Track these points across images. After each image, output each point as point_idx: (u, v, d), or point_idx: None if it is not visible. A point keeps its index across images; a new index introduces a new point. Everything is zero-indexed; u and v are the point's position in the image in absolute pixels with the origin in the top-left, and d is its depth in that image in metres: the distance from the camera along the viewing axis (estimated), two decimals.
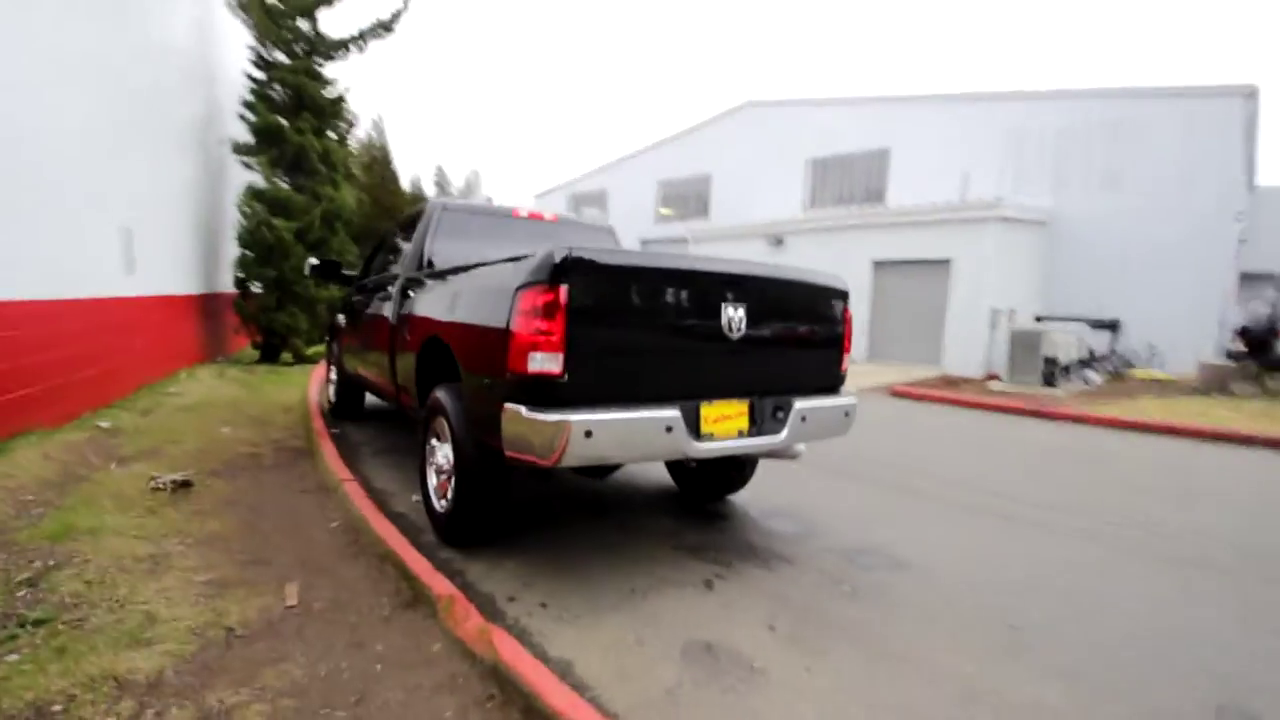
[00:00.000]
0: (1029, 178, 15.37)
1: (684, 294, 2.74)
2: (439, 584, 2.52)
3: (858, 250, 14.60)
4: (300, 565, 2.84)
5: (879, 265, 14.57)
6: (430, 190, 28.48)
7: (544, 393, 2.43)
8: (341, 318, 5.84)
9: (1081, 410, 8.13)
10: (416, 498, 3.92)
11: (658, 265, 2.68)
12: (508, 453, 2.55)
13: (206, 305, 8.54)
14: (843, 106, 18.57)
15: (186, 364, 7.89)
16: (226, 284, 9.31)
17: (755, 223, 17.32)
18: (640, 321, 2.64)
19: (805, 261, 15.90)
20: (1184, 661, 2.43)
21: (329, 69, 9.12)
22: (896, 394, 9.90)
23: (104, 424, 4.91)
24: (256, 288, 8.86)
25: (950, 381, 11.77)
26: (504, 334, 2.51)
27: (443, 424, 3.21)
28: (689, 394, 2.79)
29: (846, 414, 3.33)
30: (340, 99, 9.33)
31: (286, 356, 9.49)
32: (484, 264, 3.02)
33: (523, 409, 2.41)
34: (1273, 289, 14.14)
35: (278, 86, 8.87)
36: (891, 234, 14.32)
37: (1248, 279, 15.90)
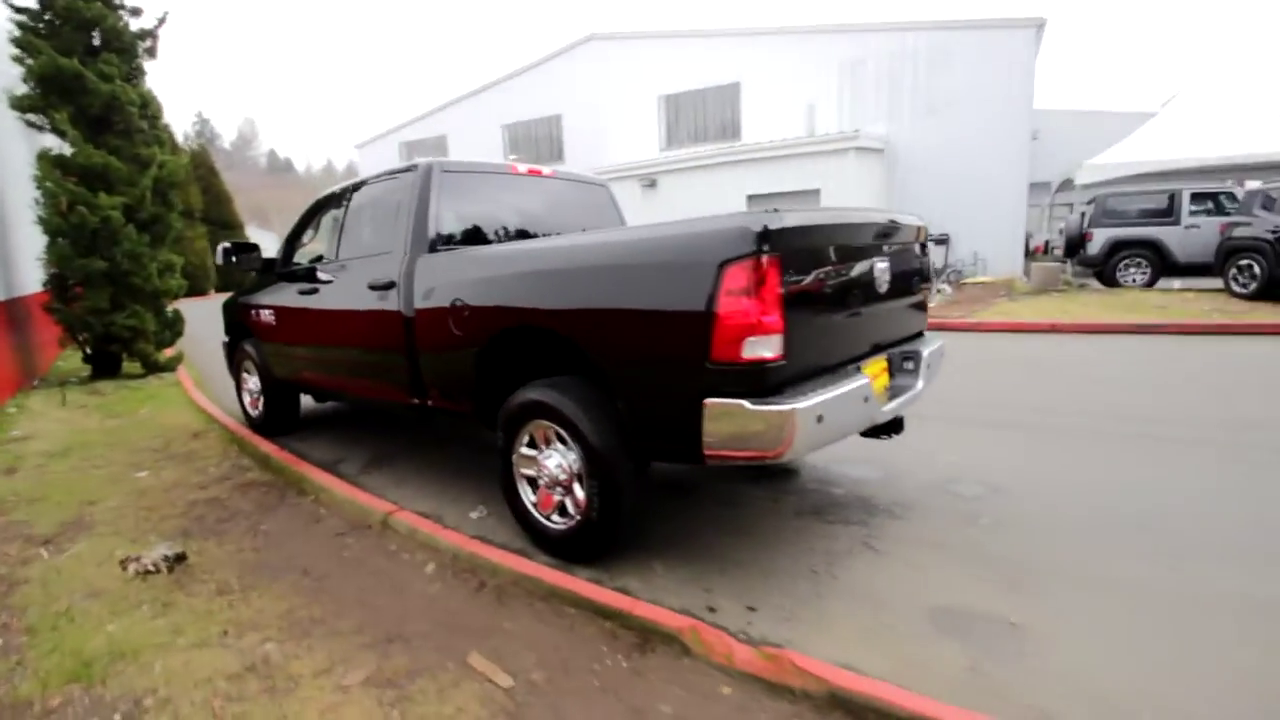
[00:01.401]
0: (865, 107, 16.62)
1: (853, 250, 2.55)
2: (665, 616, 2.18)
3: (731, 186, 14.95)
4: (448, 629, 2.31)
5: (752, 199, 15.07)
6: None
7: (758, 380, 2.14)
8: (266, 313, 4.74)
9: (968, 319, 9.20)
10: (477, 514, 3.39)
11: (840, 222, 2.46)
12: (709, 452, 2.24)
13: (9, 316, 6.52)
14: (690, 40, 18.51)
15: (7, 395, 6.03)
16: (26, 284, 7.18)
17: (628, 163, 16.97)
18: (826, 285, 2.40)
19: (680, 200, 16.03)
20: None
21: None
22: None
23: None
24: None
25: None
26: (703, 318, 2.14)
27: (547, 428, 2.75)
28: (853, 357, 2.64)
29: (943, 354, 3.39)
30: (150, 33, 7.32)
31: (132, 367, 7.65)
32: (612, 233, 2.54)
33: (745, 402, 2.11)
34: (1051, 197, 16.89)
35: (50, 18, 6.70)
36: (763, 168, 14.82)
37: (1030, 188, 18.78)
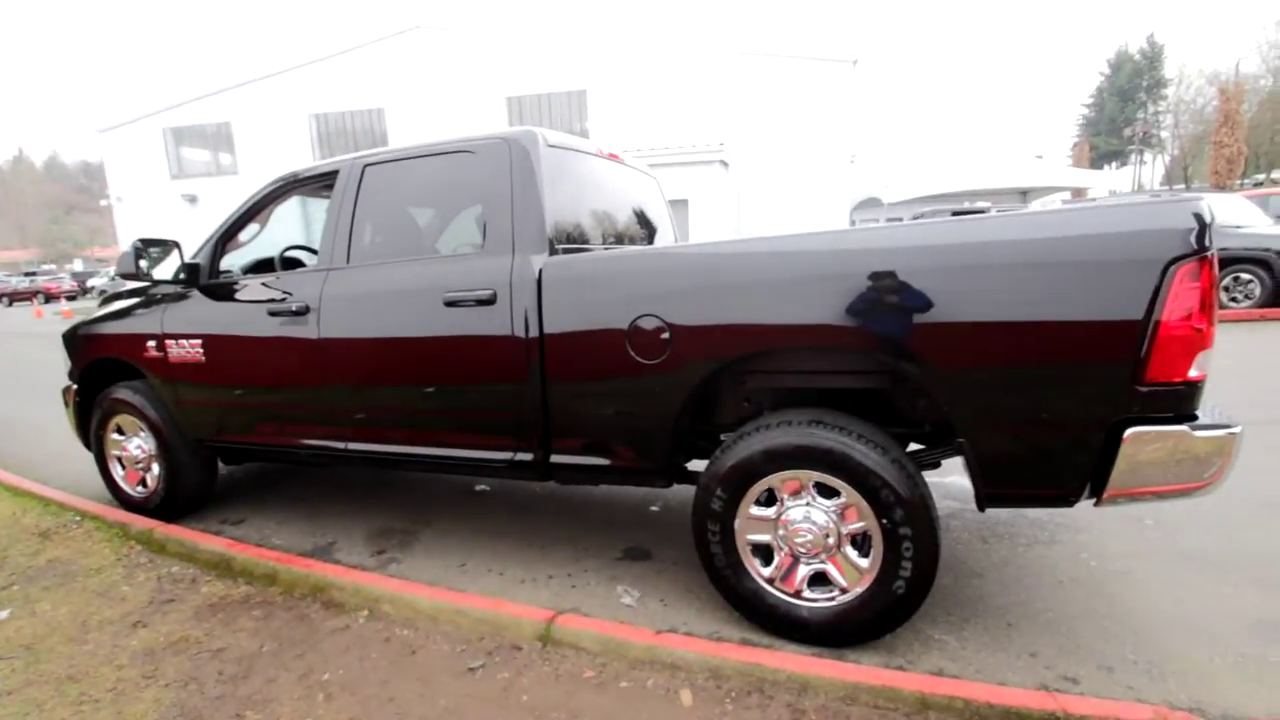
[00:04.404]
0: (707, 123, 17.38)
1: None
2: (1104, 708, 1.72)
3: None
4: None
5: None
6: None
7: (1191, 403, 1.81)
8: (186, 344, 3.26)
9: None
10: (628, 599, 2.59)
11: None
12: (1116, 491, 1.86)
13: None
14: (536, 42, 17.76)
15: None
16: None
17: None
18: None
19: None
20: None
21: None
22: None
23: None
24: None
25: None
26: (1137, 329, 1.74)
27: (805, 479, 2.14)
28: None
29: None
30: None
31: None
32: (960, 227, 1.99)
33: (1186, 428, 1.76)
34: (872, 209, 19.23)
35: None
36: None
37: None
